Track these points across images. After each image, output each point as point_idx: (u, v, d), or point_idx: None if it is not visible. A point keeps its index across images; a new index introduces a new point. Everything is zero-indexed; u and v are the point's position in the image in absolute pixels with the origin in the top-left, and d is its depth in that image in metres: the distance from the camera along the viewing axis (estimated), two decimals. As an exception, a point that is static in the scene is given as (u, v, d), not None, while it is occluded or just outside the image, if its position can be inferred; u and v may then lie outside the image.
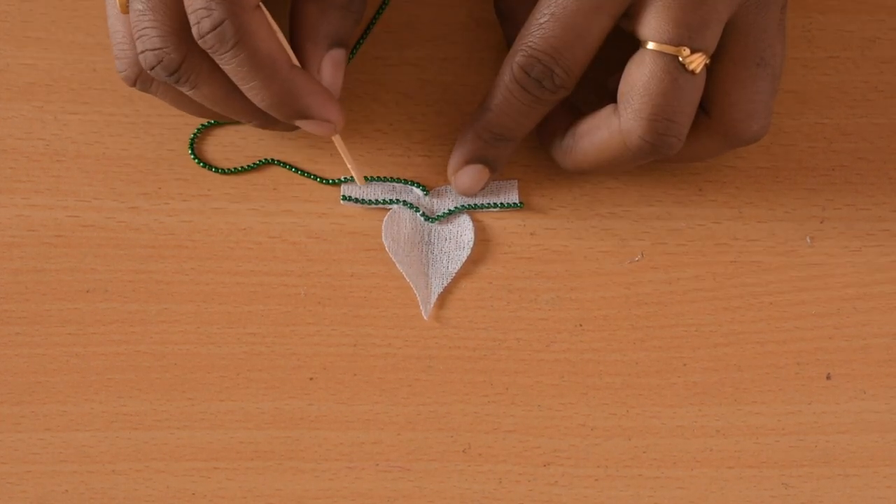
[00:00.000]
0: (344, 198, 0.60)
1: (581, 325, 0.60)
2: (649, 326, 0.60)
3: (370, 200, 0.61)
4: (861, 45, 0.63)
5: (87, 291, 0.60)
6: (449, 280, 0.60)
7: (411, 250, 0.61)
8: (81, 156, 0.62)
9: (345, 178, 0.61)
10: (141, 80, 0.57)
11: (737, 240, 0.61)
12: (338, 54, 0.58)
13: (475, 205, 0.61)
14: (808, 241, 0.61)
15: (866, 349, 0.60)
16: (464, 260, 0.61)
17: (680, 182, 0.62)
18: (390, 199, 0.61)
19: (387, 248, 0.60)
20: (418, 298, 0.60)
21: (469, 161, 0.60)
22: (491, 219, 0.61)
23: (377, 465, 0.59)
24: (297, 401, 0.60)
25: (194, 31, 0.53)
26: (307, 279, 0.61)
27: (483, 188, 0.61)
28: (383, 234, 0.60)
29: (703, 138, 0.58)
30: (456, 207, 0.61)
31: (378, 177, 0.61)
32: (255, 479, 0.59)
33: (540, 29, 0.55)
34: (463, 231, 0.61)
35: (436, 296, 0.60)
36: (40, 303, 0.60)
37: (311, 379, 0.60)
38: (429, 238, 0.61)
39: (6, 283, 0.60)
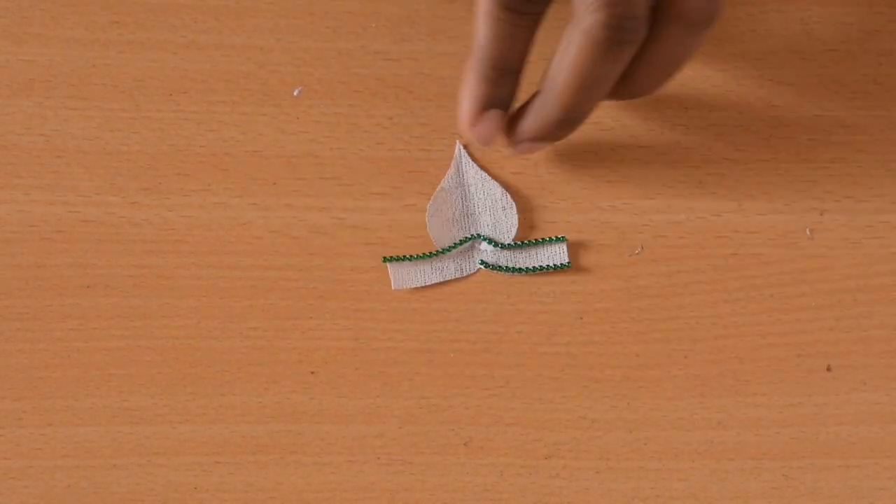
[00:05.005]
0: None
1: (582, 318, 0.60)
2: (650, 319, 0.60)
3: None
4: (860, 37, 0.63)
5: (88, 287, 0.60)
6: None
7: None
8: (81, 151, 0.62)
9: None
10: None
11: (737, 232, 0.61)
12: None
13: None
14: (808, 233, 0.61)
15: (866, 341, 0.60)
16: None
17: (679, 175, 0.62)
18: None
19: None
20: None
21: (483, 106, 0.58)
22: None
23: (379, 458, 0.59)
24: (299, 395, 0.60)
25: None
26: (308, 273, 0.61)
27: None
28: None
29: (664, 34, 0.55)
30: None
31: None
32: (257, 473, 0.59)
33: None
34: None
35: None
36: (41, 298, 0.60)
37: (312, 373, 0.60)
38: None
39: (7, 278, 0.60)
